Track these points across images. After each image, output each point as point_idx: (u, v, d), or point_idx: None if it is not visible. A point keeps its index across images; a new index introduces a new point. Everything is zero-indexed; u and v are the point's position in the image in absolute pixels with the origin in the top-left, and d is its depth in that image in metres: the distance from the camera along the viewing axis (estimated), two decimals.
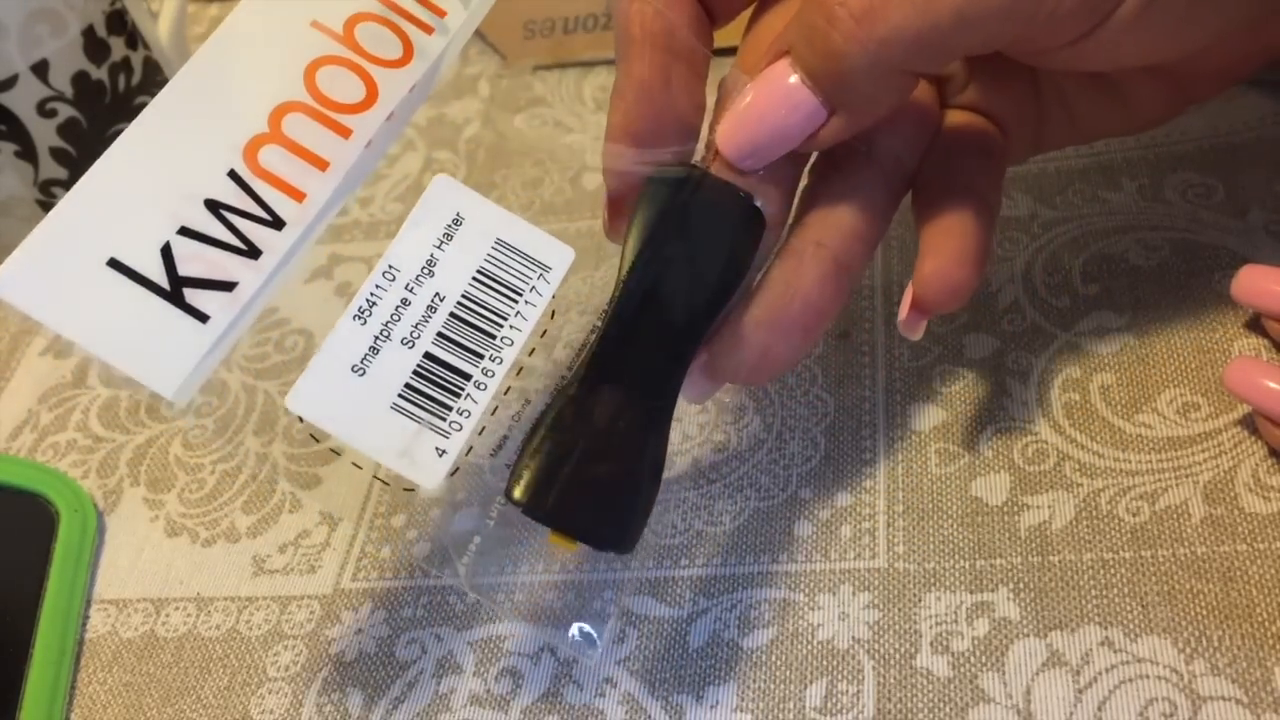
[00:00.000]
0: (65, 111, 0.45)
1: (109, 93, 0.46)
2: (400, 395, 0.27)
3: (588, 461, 0.27)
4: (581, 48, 0.50)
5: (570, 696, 0.31)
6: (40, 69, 0.44)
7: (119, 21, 0.46)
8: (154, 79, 0.48)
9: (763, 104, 0.28)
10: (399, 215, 0.46)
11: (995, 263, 0.37)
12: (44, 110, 0.44)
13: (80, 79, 0.45)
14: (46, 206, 0.46)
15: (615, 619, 0.32)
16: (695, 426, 0.35)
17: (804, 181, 0.31)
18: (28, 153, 0.45)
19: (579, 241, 0.41)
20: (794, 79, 0.27)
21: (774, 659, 0.30)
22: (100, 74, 0.45)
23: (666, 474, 0.34)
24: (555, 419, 0.27)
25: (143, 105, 0.47)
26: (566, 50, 0.50)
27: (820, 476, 0.33)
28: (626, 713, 0.30)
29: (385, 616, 0.33)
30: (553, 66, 0.50)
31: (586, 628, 0.30)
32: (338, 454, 0.28)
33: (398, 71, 0.29)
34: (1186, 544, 0.29)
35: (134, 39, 0.47)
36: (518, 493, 0.27)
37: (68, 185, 0.46)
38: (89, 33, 0.45)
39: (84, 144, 0.46)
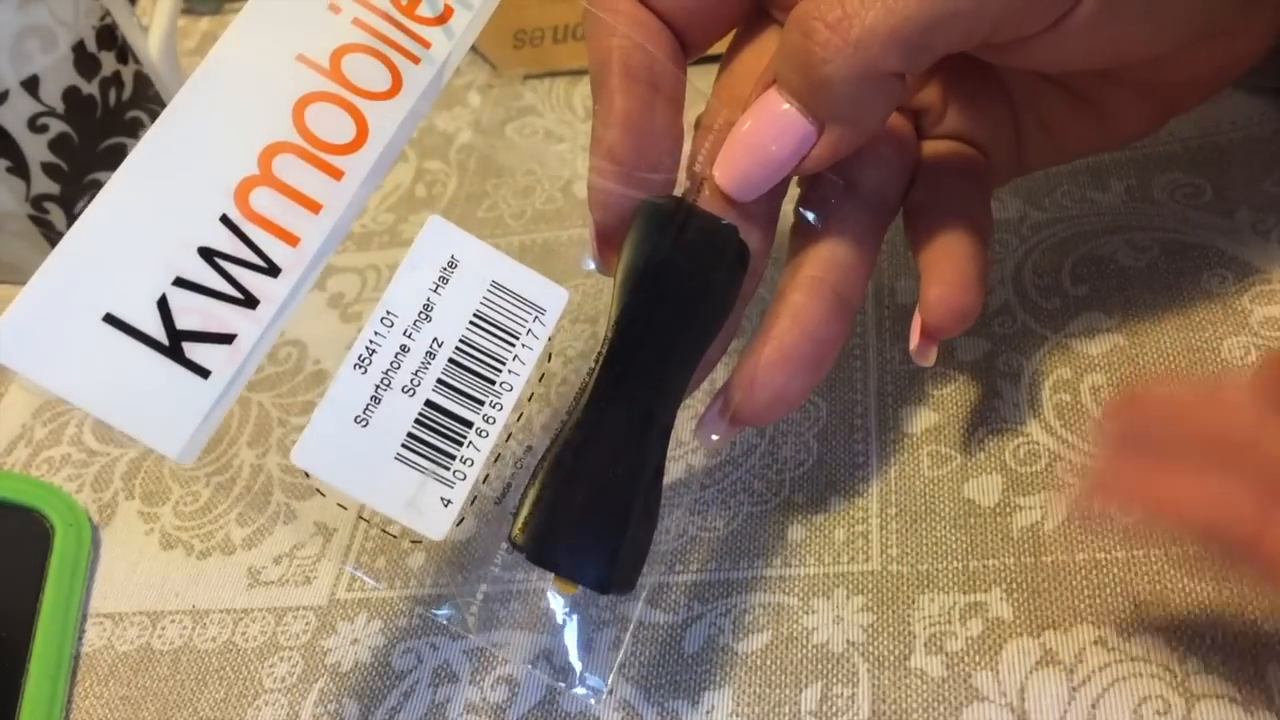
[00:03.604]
0: (56, 127, 0.45)
1: (100, 107, 0.46)
2: (404, 445, 0.27)
3: (586, 505, 0.27)
4: (571, 57, 0.50)
5: (566, 703, 0.31)
6: (31, 84, 0.44)
7: (109, 36, 0.46)
8: (145, 93, 0.48)
9: (754, 133, 0.28)
10: (389, 225, 0.46)
11: None
12: (35, 125, 0.44)
13: (71, 94, 0.45)
14: (38, 222, 0.46)
15: (612, 627, 0.32)
16: (689, 433, 0.35)
17: (792, 220, 0.31)
18: (19, 168, 0.45)
19: (569, 249, 0.42)
20: (783, 105, 0.27)
21: (769, 663, 0.30)
22: (91, 89, 0.46)
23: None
24: (553, 464, 0.27)
25: (134, 119, 0.47)
26: (556, 59, 0.51)
27: (813, 481, 0.33)
28: (622, 719, 0.30)
29: (381, 626, 0.33)
30: (542, 75, 0.51)
31: (591, 680, 0.30)
32: (322, 494, 0.27)
33: (387, 104, 0.28)
34: (1178, 543, 0.29)
35: (124, 54, 0.47)
36: (520, 539, 0.27)
37: (60, 200, 0.46)
38: (79, 48, 0.45)
39: (76, 159, 0.46)
